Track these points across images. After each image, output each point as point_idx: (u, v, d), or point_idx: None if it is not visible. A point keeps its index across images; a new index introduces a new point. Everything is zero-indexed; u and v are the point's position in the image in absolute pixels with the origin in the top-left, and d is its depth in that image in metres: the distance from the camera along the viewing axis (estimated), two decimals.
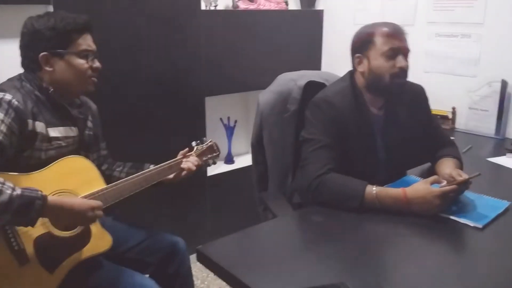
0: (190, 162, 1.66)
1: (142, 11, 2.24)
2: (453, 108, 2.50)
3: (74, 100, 1.55)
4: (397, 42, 1.55)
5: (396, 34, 1.56)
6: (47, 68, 1.41)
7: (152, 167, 1.62)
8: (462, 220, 1.33)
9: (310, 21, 3.07)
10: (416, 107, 1.70)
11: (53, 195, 1.33)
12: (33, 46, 1.41)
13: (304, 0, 3.11)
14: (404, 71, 1.56)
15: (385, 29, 1.57)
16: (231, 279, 1.09)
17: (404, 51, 1.57)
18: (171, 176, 1.64)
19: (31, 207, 1.18)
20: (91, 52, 1.47)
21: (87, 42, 1.45)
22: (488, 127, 2.37)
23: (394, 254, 1.23)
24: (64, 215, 1.28)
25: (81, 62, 1.44)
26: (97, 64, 1.48)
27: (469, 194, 1.46)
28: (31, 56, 1.41)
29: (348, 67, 1.69)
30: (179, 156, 1.67)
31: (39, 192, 1.21)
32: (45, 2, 1.99)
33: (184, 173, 1.65)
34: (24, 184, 1.25)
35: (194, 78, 2.49)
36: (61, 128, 1.44)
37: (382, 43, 1.55)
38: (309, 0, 3.10)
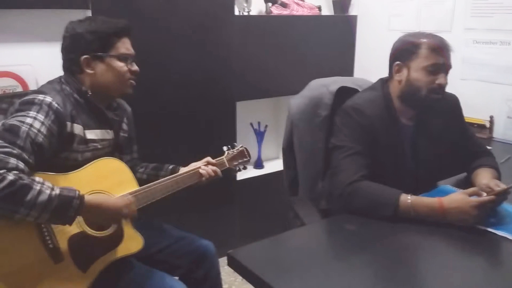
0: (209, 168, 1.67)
1: (176, 15, 2.27)
2: (491, 117, 2.43)
3: (111, 103, 1.58)
4: (441, 59, 1.51)
5: (442, 50, 1.52)
6: (88, 71, 1.46)
7: (171, 167, 1.66)
8: (500, 233, 1.29)
9: (343, 27, 3.04)
10: (449, 117, 1.66)
11: (89, 195, 1.36)
12: (75, 48, 1.45)
13: (338, 5, 3.09)
14: (442, 88, 1.54)
15: (432, 42, 1.52)
16: (261, 285, 1.08)
17: (446, 69, 1.53)
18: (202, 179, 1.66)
19: (69, 206, 1.22)
20: (130, 56, 1.51)
21: (126, 45, 1.50)
22: None
23: (427, 266, 1.19)
24: (100, 214, 1.32)
25: (120, 65, 1.48)
26: (135, 67, 1.52)
27: (507, 206, 1.41)
28: (72, 59, 1.46)
29: (381, 74, 1.66)
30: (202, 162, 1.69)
31: (77, 192, 1.25)
32: (84, 7, 2.05)
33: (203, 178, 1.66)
34: (60, 184, 1.29)
35: (226, 82, 2.51)
36: (97, 131, 1.48)
37: (426, 57, 1.51)
38: (342, 6, 3.07)
